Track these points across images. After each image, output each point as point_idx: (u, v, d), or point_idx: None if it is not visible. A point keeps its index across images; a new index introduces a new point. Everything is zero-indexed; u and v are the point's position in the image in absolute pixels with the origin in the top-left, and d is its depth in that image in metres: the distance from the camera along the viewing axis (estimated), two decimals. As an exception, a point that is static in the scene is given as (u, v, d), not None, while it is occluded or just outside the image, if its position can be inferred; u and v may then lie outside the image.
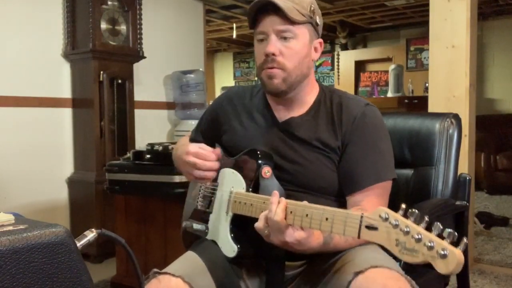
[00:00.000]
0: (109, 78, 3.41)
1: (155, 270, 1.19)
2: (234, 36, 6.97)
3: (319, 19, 1.28)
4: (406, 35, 7.39)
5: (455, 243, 0.80)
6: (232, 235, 1.23)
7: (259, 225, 1.11)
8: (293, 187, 1.24)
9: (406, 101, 6.20)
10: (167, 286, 1.13)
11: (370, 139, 1.24)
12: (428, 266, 1.51)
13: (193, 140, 1.53)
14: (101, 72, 3.34)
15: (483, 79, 6.53)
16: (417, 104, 5.97)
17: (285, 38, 1.23)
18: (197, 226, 1.33)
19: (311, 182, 1.24)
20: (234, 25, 6.59)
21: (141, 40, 3.64)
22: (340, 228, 0.96)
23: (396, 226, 0.85)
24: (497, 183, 5.57)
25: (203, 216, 1.36)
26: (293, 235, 1.05)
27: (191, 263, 1.22)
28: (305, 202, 1.07)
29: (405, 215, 0.87)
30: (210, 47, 8.50)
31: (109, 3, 3.46)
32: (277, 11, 1.20)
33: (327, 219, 0.99)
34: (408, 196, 1.52)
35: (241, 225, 1.23)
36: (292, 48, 1.23)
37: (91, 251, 3.14)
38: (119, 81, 3.52)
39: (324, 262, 1.18)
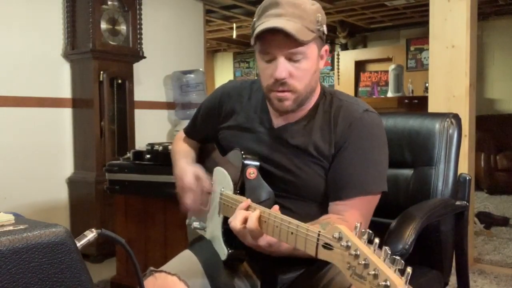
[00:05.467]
0: (109, 78, 3.41)
1: (152, 268, 1.20)
2: (234, 36, 6.96)
3: (325, 27, 1.18)
4: (406, 35, 7.38)
5: (403, 270, 0.74)
6: (224, 238, 1.20)
7: (235, 224, 1.06)
8: (285, 194, 1.22)
9: (406, 101, 6.20)
10: (163, 284, 1.14)
11: (363, 146, 1.18)
12: (428, 266, 1.51)
13: (189, 134, 1.52)
14: (101, 72, 3.35)
15: (483, 79, 6.52)
16: (417, 104, 5.97)
17: (295, 60, 1.14)
18: (196, 224, 1.33)
19: (303, 190, 1.21)
20: (234, 25, 6.58)
21: (141, 40, 3.64)
22: (302, 244, 0.91)
23: (347, 248, 0.79)
24: (497, 183, 5.57)
25: (202, 214, 1.36)
26: (265, 239, 1.04)
27: (187, 262, 1.23)
28: (276, 209, 1.03)
29: (360, 236, 0.80)
30: (210, 47, 8.49)
31: (109, 3, 3.46)
32: (287, 34, 1.10)
33: (292, 233, 0.94)
34: (408, 196, 1.52)
35: None
36: (303, 69, 1.16)
37: (91, 251, 3.14)
38: (119, 81, 3.52)
39: (320, 268, 1.17)
